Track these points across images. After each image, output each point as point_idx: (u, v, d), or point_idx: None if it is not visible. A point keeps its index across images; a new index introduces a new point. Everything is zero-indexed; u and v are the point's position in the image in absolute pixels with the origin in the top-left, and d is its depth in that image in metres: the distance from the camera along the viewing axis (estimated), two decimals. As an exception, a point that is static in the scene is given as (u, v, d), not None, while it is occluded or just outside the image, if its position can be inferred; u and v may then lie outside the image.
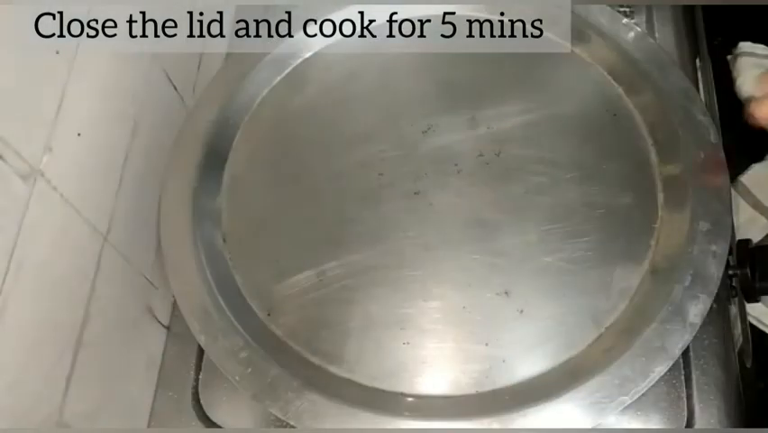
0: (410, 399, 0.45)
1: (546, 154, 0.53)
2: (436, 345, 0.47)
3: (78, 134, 0.43)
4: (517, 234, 0.50)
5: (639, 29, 0.57)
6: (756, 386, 0.55)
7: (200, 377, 0.56)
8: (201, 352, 0.57)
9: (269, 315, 0.48)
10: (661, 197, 0.49)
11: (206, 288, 0.48)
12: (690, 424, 0.52)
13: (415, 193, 0.51)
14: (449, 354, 0.46)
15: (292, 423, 0.43)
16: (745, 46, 0.70)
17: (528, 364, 0.45)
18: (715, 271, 0.45)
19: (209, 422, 0.54)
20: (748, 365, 0.54)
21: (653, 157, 0.51)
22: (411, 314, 0.47)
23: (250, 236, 0.51)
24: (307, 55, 0.58)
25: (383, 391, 0.45)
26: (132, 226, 0.51)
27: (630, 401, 0.43)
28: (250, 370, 0.45)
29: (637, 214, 0.50)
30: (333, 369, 0.46)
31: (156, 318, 0.56)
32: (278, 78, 0.58)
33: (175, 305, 0.58)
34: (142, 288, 0.53)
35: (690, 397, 0.53)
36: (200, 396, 0.55)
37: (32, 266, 0.39)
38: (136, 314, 0.53)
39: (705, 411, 0.52)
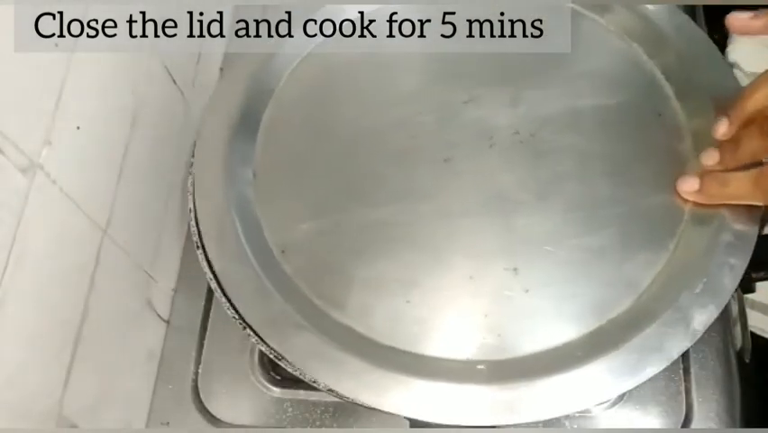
0: (400, 354, 0.45)
1: (582, 143, 0.52)
2: (436, 308, 0.47)
3: (78, 128, 0.43)
4: (537, 215, 0.50)
5: (701, 32, 0.56)
6: (755, 381, 0.55)
7: (200, 370, 0.56)
8: (201, 345, 0.57)
9: (282, 252, 0.49)
10: (690, 203, 0.49)
11: (229, 217, 0.49)
12: (688, 417, 0.52)
13: (444, 160, 0.51)
14: (447, 318, 0.47)
15: (286, 357, 0.44)
16: None
17: (522, 343, 0.45)
18: (729, 283, 0.45)
19: (209, 415, 0.54)
20: (747, 360, 0.54)
21: (691, 164, 0.50)
22: (417, 275, 0.48)
23: (278, 177, 0.52)
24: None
25: (376, 342, 0.46)
26: (132, 220, 0.51)
27: (613, 399, 0.43)
28: (255, 300, 0.46)
29: (662, 216, 0.49)
30: (334, 314, 0.47)
31: (156, 312, 0.56)
32: (321, 39, 0.58)
33: (174, 298, 0.59)
34: (142, 281, 0.54)
35: (688, 391, 0.53)
36: (199, 389, 0.55)
37: (32, 260, 0.39)
38: (136, 307, 0.53)
39: (703, 405, 0.52)
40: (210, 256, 0.48)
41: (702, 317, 0.44)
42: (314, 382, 0.44)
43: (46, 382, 0.42)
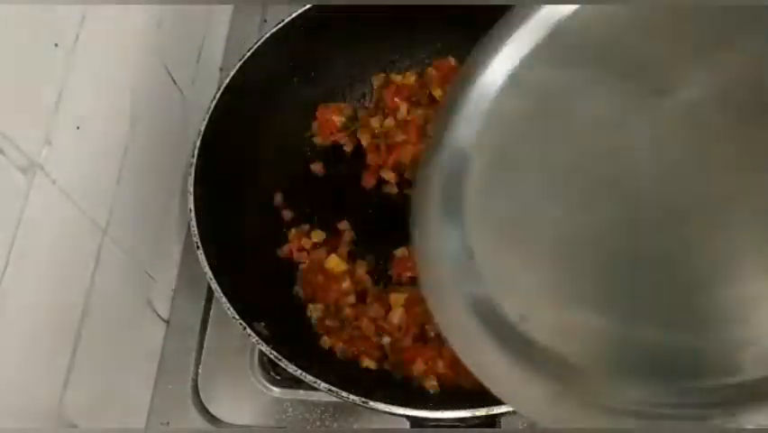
0: None
1: None
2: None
3: (78, 128, 0.43)
4: None
5: None
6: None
7: (200, 370, 0.56)
8: (201, 345, 0.57)
9: (521, 319, 0.43)
10: None
11: (464, 311, 0.44)
12: (688, 418, 0.52)
13: (661, 176, 0.42)
14: None
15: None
16: None
17: None
18: None
19: (209, 415, 0.54)
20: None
21: None
22: (679, 304, 0.39)
23: (497, 252, 0.46)
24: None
25: None
26: (132, 220, 0.51)
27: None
28: (513, 385, 0.41)
29: None
30: (594, 373, 0.40)
31: (155, 312, 0.56)
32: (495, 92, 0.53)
33: (174, 298, 0.59)
34: (142, 281, 0.54)
35: (688, 391, 0.53)
36: (199, 389, 0.55)
37: (32, 259, 0.39)
38: (136, 307, 0.53)
39: (704, 405, 0.52)
40: (458, 353, 0.43)
41: None
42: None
43: (46, 382, 0.42)
